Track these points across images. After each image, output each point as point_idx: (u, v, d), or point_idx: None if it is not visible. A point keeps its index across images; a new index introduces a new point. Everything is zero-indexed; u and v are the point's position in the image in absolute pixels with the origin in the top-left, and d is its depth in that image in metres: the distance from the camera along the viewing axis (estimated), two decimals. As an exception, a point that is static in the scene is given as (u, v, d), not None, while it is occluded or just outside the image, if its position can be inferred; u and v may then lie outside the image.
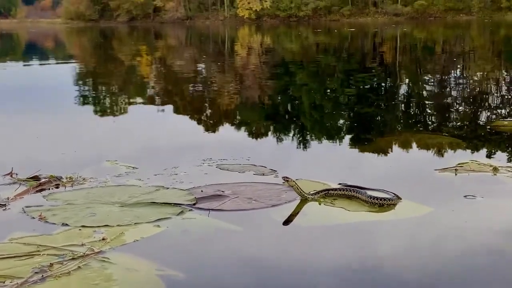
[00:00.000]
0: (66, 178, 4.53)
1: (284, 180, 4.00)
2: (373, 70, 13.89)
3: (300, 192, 3.97)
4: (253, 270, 3.03)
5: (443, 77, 12.47)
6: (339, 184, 4.23)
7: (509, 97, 9.19)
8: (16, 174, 4.64)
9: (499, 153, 5.33)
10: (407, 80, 12.17)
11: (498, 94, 9.64)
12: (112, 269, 2.90)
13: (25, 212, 3.76)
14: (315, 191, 4.06)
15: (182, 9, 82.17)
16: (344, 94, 9.86)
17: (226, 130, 7.10)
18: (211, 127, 7.42)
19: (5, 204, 3.93)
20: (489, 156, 5.14)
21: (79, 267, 2.90)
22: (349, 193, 4.00)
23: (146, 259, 3.05)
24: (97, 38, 40.29)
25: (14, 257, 3.00)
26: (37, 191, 4.26)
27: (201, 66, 16.84)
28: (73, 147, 5.82)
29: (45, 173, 4.59)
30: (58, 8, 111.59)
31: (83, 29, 64.96)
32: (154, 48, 26.79)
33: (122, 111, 8.93)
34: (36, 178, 4.54)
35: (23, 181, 4.49)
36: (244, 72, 14.04)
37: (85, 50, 28.64)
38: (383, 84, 11.56)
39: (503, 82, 11.28)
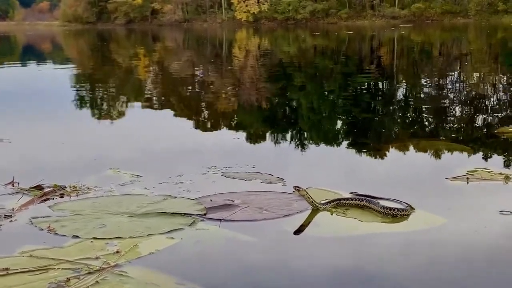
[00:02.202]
0: (70, 187, 4.45)
1: (295, 189, 3.96)
2: (375, 74, 13.86)
3: (312, 201, 3.92)
4: (272, 282, 2.98)
5: (445, 82, 12.44)
6: (351, 193, 4.19)
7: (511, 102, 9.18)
8: (18, 183, 4.55)
9: (508, 160, 5.29)
10: (410, 86, 12.11)
11: (500, 100, 9.61)
12: (131, 284, 2.84)
13: (32, 224, 3.69)
14: (326, 201, 4.01)
15: (179, 12, 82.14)
16: (347, 99, 9.82)
17: (228, 135, 7.03)
18: (213, 132, 7.37)
19: (11, 215, 3.85)
20: (498, 163, 5.08)
21: (96, 281, 2.84)
22: (361, 203, 3.94)
23: (164, 272, 3.00)
24: (95, 41, 40.19)
25: (28, 271, 2.94)
26: (41, 201, 4.18)
27: (199, 70, 16.76)
28: (72, 154, 5.75)
29: (47, 182, 4.51)
30: (55, 10, 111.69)
31: (81, 31, 64.90)
32: (152, 51, 26.74)
33: (121, 116, 8.83)
34: (39, 187, 4.45)
35: (26, 190, 4.40)
36: (243, 76, 14.00)
37: (83, 53, 28.56)
38: (386, 89, 11.53)
39: (505, 86, 11.25)
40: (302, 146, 6.33)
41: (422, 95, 10.28)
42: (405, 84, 12.38)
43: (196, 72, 15.88)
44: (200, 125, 7.94)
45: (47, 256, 3.12)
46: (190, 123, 8.11)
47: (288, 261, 3.20)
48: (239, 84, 12.37)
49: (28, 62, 21.82)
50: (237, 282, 2.97)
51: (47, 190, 4.39)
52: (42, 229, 3.58)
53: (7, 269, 2.95)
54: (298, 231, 3.61)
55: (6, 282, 2.83)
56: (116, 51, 27.85)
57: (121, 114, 9.06)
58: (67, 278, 2.86)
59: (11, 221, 3.76)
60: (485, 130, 6.87)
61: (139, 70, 16.83)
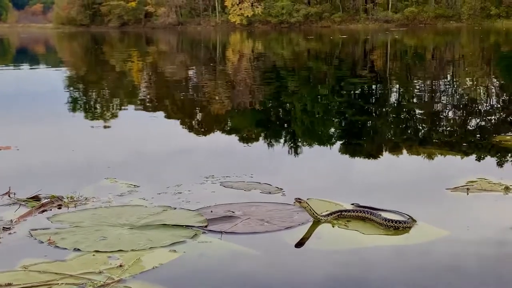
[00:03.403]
0: (67, 197, 4.40)
1: (296, 201, 3.94)
2: (370, 79, 13.89)
3: (313, 213, 3.90)
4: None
5: (441, 88, 12.45)
6: (352, 204, 4.18)
7: (509, 110, 9.19)
8: (14, 194, 4.49)
9: (507, 170, 5.29)
10: (405, 91, 12.11)
11: (497, 107, 9.62)
12: (137, 300, 2.82)
13: (32, 236, 3.64)
14: (328, 212, 4.00)
15: (173, 15, 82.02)
16: (342, 104, 9.82)
17: (225, 143, 6.97)
18: (209, 140, 7.33)
19: (10, 227, 3.79)
20: (496, 173, 5.07)
21: (101, 297, 2.83)
22: (363, 215, 3.93)
23: (169, 287, 2.97)
24: (89, 44, 40.06)
25: (31, 287, 2.90)
26: (39, 212, 4.13)
27: (194, 73, 16.73)
28: (67, 162, 5.70)
29: (43, 191, 4.45)
30: (49, 13, 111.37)
31: (74, 34, 64.69)
32: (146, 54, 26.67)
33: (115, 123, 8.65)
34: (36, 198, 4.39)
35: (23, 201, 4.34)
36: (238, 80, 13.97)
37: (77, 55, 28.45)
38: (383, 94, 11.54)
39: (501, 93, 11.29)
40: (300, 154, 6.31)
41: (418, 101, 10.28)
42: (401, 89, 12.36)
43: (190, 76, 15.84)
44: (196, 132, 7.90)
45: (50, 270, 3.08)
46: (186, 130, 8.06)
47: (290, 275, 3.18)
48: (233, 88, 12.35)
49: (21, 64, 21.72)
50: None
51: (44, 201, 4.33)
52: (42, 242, 3.53)
53: (9, 284, 2.92)
54: (299, 244, 3.59)
55: (10, 299, 2.80)
56: (110, 53, 27.75)
57: (115, 120, 8.93)
58: (71, 294, 2.84)
59: (10, 233, 3.71)
60: (483, 138, 6.87)
61: (133, 74, 16.77)
